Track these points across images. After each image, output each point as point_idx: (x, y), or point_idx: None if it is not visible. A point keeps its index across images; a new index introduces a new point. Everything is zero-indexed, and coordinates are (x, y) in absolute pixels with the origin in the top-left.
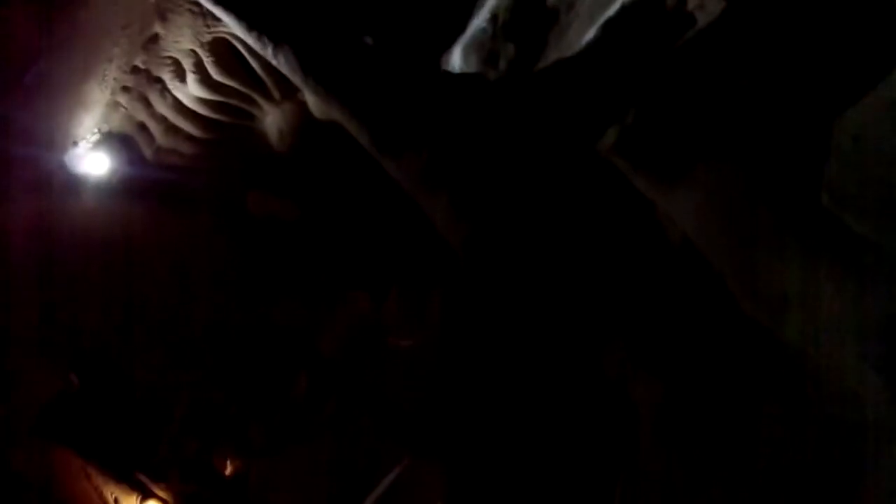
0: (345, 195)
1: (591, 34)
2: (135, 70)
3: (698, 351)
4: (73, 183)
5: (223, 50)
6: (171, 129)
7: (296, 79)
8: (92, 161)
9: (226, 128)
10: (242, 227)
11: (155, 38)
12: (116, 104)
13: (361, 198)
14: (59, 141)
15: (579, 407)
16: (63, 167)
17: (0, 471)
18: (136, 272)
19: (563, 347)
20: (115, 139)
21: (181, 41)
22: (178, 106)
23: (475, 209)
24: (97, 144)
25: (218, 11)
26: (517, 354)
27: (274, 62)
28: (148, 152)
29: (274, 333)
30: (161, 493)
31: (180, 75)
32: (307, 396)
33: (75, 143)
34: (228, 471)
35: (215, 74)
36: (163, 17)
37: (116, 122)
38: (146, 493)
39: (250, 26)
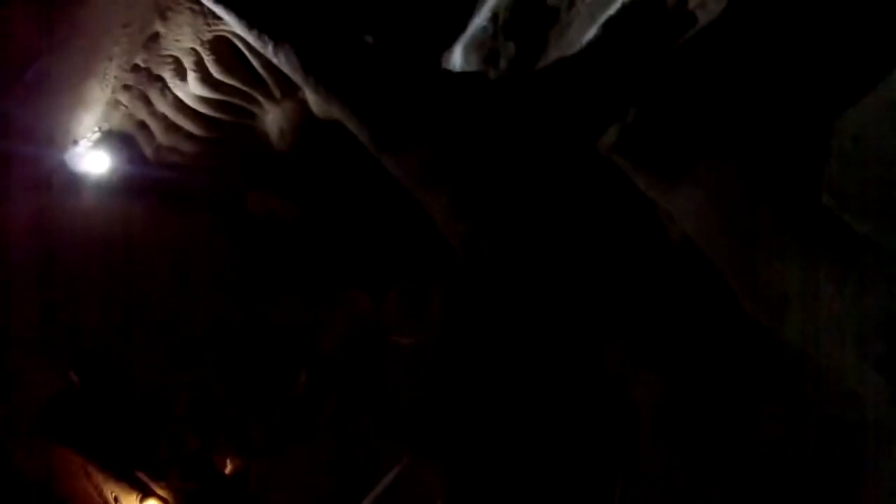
0: (345, 194)
1: (591, 33)
2: (135, 68)
3: (698, 351)
4: (74, 181)
5: (224, 48)
6: (172, 127)
7: (296, 77)
8: (92, 159)
9: (226, 126)
10: (242, 227)
11: (155, 37)
12: (117, 103)
13: (361, 196)
14: (60, 139)
15: (579, 406)
16: (63, 166)
17: (0, 470)
18: (136, 271)
19: (563, 347)
20: (115, 138)
21: (182, 39)
22: (179, 104)
23: (475, 208)
24: (97, 143)
25: (218, 10)
26: (517, 353)
27: (274, 60)
28: (148, 151)
29: (274, 333)
30: (161, 492)
31: (181, 74)
32: (307, 395)
33: (75, 142)
34: (228, 470)
35: (216, 73)
36: (163, 16)
37: (117, 121)
38: (146, 492)
39: (251, 24)
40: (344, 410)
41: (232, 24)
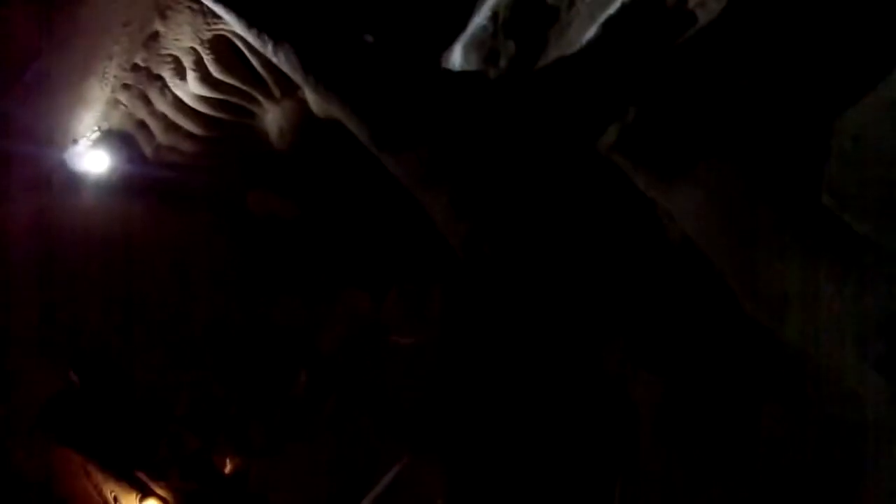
0: (345, 193)
1: (591, 32)
2: (135, 68)
3: (698, 351)
4: (73, 181)
5: (223, 47)
6: (172, 126)
7: (296, 76)
8: (92, 159)
9: (226, 125)
10: (242, 226)
11: (155, 36)
12: (116, 102)
13: (361, 196)
14: (59, 139)
15: (579, 406)
16: (63, 165)
17: (0, 469)
18: (135, 271)
19: (563, 346)
20: (115, 137)
21: (181, 39)
22: (179, 104)
23: (475, 207)
24: (97, 142)
25: (218, 9)
26: (517, 353)
27: (274, 60)
28: (148, 150)
29: (274, 332)
30: (161, 492)
31: (180, 73)
32: (307, 395)
33: (75, 141)
34: (228, 469)
35: (215, 72)
36: (163, 15)
37: (116, 120)
38: (146, 492)
39: (250, 24)
40: (344, 410)
41: (231, 23)
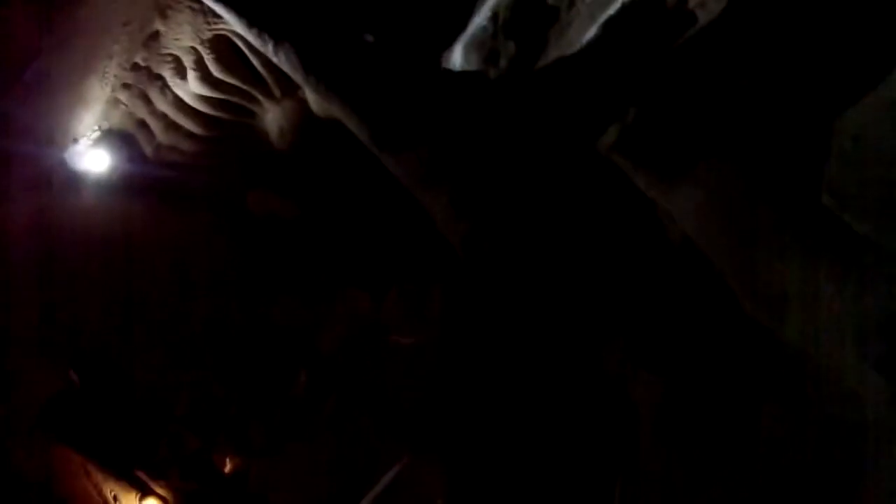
0: (345, 193)
1: (591, 32)
2: (135, 67)
3: (698, 351)
4: (74, 180)
5: (224, 47)
6: (172, 126)
7: (296, 76)
8: (92, 158)
9: (226, 125)
10: (242, 226)
11: (155, 36)
12: (117, 101)
13: (361, 196)
14: (60, 138)
15: (579, 406)
16: (63, 164)
17: (0, 469)
18: (135, 270)
19: (563, 346)
20: (115, 136)
21: (182, 38)
22: (179, 103)
23: (475, 207)
24: (97, 141)
25: (218, 8)
26: (517, 353)
27: (274, 59)
28: (148, 149)
29: (274, 332)
30: (161, 491)
31: (181, 72)
32: (307, 395)
33: (75, 141)
34: (228, 469)
35: (216, 72)
36: (163, 14)
37: (117, 120)
38: (146, 491)
39: (251, 23)
40: (344, 410)
41: (232, 22)
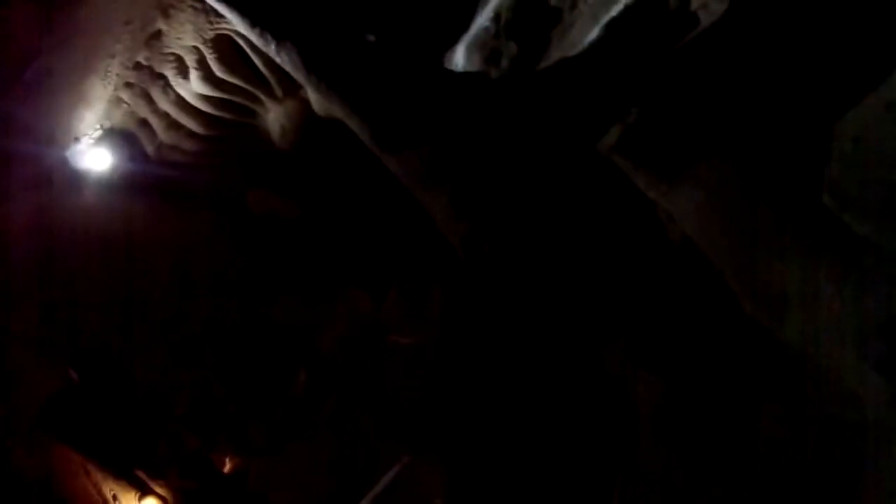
0: (345, 193)
1: (594, 34)
2: (137, 66)
3: (698, 351)
4: (75, 179)
5: (226, 46)
6: (174, 125)
7: (298, 76)
8: (94, 157)
9: (228, 124)
10: (243, 225)
11: (157, 35)
12: (118, 100)
13: (362, 195)
14: (61, 137)
15: (579, 406)
16: (65, 163)
17: (0, 468)
18: (136, 269)
19: (563, 346)
20: (116, 135)
21: (184, 37)
22: (181, 102)
23: (476, 207)
24: (99, 141)
25: (221, 8)
26: (517, 353)
27: (277, 59)
28: (150, 149)
29: (274, 332)
30: (160, 491)
31: (183, 72)
32: (307, 394)
33: (77, 140)
34: (227, 469)
35: (218, 71)
36: (165, 14)
37: (118, 119)
38: (145, 490)
39: (253, 23)
40: (344, 410)
41: (234, 22)
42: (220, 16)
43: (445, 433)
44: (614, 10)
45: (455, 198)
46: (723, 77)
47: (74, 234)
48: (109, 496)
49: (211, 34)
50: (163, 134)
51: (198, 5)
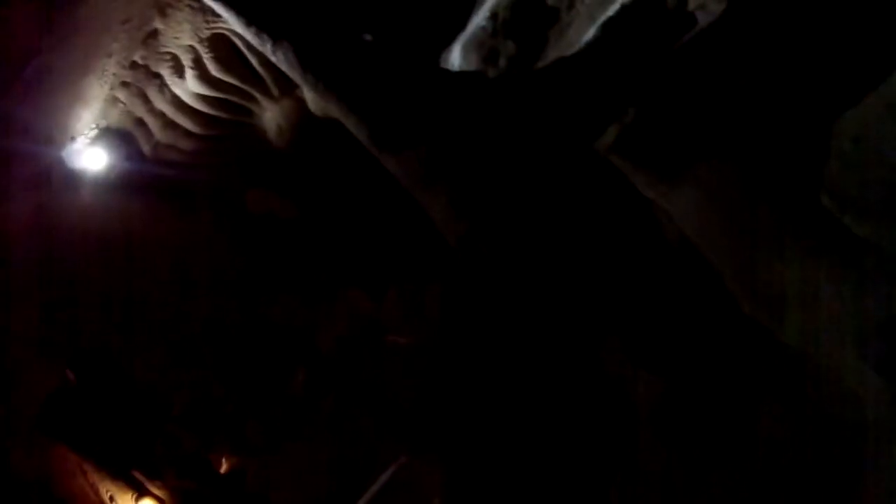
0: (343, 192)
1: (591, 33)
2: (134, 65)
3: (698, 351)
4: (71, 178)
5: (222, 46)
6: (170, 124)
7: (295, 75)
8: (90, 156)
9: (224, 124)
10: (243, 225)
11: (154, 34)
12: (115, 100)
13: (359, 195)
14: (57, 136)
15: (577, 405)
16: (61, 163)
17: None
18: (135, 269)
19: (562, 346)
20: (113, 135)
21: (180, 37)
22: (177, 102)
23: (474, 207)
24: (95, 140)
25: (217, 7)
26: (515, 352)
27: (273, 58)
28: (146, 148)
29: (273, 331)
30: (157, 491)
31: (179, 71)
32: (305, 394)
33: (73, 139)
34: (225, 468)
35: (214, 70)
36: (162, 13)
37: (115, 118)
38: (142, 492)
39: (249, 22)
40: (342, 409)
41: (231, 21)
42: (217, 15)
43: (444, 433)
44: (611, 10)
45: (453, 197)
46: (721, 77)
47: (73, 233)
48: (106, 497)
49: (207, 33)
50: (159, 133)
51: (195, 4)
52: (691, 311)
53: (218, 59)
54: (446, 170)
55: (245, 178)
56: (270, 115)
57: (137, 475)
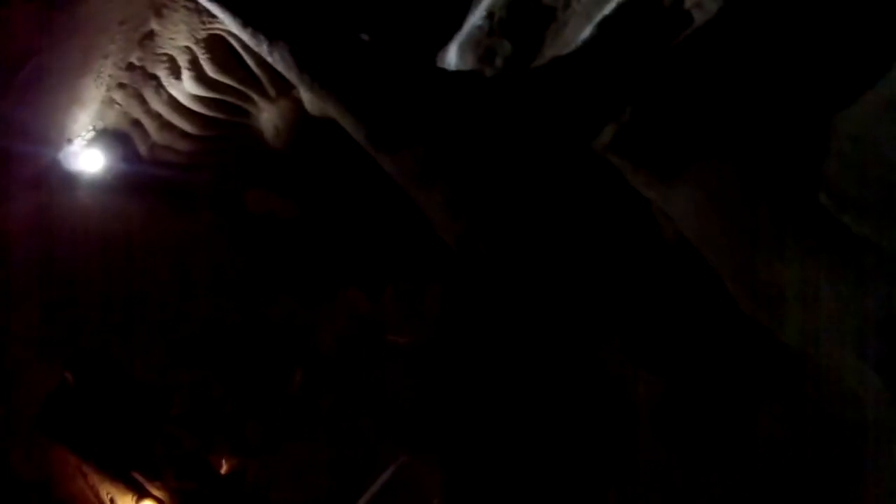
0: (340, 192)
1: (587, 32)
2: (130, 67)
3: (698, 351)
4: (68, 180)
5: (219, 47)
6: (166, 125)
7: (291, 75)
8: (87, 158)
9: (221, 125)
10: (242, 225)
11: (151, 35)
12: (112, 101)
13: (357, 195)
14: (54, 138)
15: (576, 405)
16: (58, 164)
17: None
18: (135, 269)
19: (560, 345)
20: (110, 136)
21: (177, 38)
22: (174, 103)
23: (471, 206)
24: (92, 141)
25: (213, 8)
26: (514, 352)
27: (269, 59)
28: (143, 149)
29: (272, 331)
30: (157, 493)
31: (175, 72)
32: (304, 394)
33: (70, 140)
34: (225, 469)
35: (211, 71)
36: (159, 14)
37: (111, 119)
38: (142, 493)
39: (245, 23)
40: (341, 409)
41: (227, 22)
42: (213, 16)
43: (443, 432)
44: (608, 9)
45: (450, 197)
46: (718, 76)
47: (73, 234)
48: (107, 499)
49: (204, 34)
50: (155, 134)
51: (191, 5)
52: (691, 311)
53: (214, 60)
54: (443, 169)
55: (244, 178)
56: (267, 116)
57: (137, 476)
